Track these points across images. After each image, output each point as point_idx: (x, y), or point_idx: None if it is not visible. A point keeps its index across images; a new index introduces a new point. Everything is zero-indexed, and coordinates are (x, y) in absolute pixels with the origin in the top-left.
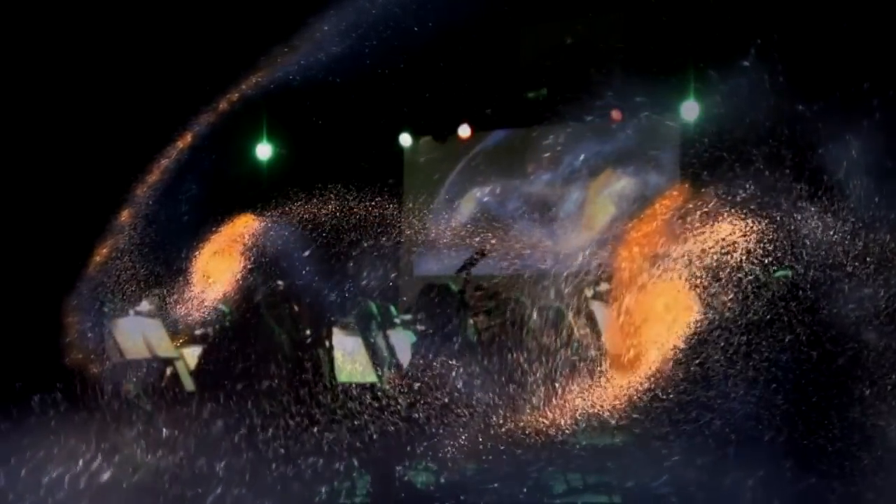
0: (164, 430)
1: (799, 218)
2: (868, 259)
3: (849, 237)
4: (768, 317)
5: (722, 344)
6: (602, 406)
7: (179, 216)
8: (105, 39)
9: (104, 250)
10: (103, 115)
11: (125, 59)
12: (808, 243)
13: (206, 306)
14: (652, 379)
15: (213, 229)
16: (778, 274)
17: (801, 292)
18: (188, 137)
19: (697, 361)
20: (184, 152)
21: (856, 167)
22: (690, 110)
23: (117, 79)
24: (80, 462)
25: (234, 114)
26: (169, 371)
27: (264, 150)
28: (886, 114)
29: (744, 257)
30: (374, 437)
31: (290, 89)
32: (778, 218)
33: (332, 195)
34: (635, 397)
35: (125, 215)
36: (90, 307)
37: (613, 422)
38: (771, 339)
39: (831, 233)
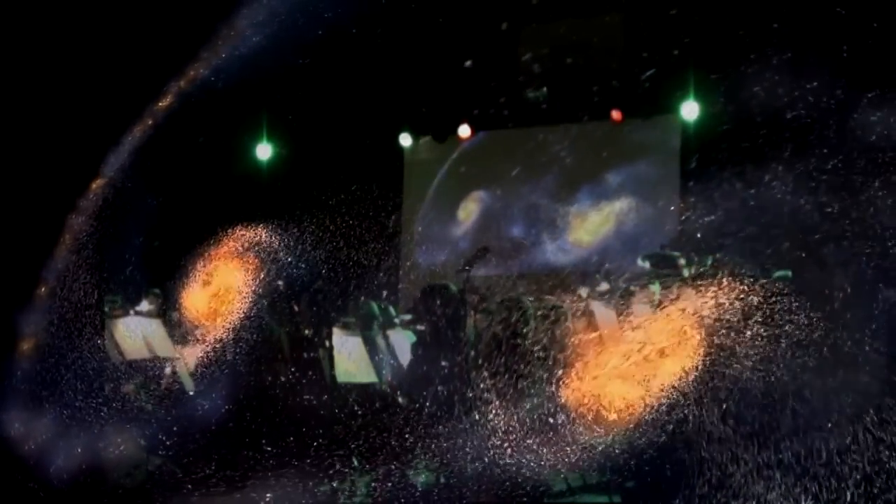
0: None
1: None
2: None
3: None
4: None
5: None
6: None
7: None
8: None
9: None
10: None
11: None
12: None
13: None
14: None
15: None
16: (778, 274)
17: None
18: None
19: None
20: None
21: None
22: (690, 110)
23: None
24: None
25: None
26: (169, 371)
27: (264, 150)
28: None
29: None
30: (374, 437)
31: (290, 89)
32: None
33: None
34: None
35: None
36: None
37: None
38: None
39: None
